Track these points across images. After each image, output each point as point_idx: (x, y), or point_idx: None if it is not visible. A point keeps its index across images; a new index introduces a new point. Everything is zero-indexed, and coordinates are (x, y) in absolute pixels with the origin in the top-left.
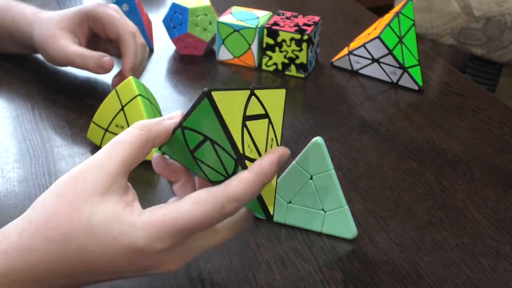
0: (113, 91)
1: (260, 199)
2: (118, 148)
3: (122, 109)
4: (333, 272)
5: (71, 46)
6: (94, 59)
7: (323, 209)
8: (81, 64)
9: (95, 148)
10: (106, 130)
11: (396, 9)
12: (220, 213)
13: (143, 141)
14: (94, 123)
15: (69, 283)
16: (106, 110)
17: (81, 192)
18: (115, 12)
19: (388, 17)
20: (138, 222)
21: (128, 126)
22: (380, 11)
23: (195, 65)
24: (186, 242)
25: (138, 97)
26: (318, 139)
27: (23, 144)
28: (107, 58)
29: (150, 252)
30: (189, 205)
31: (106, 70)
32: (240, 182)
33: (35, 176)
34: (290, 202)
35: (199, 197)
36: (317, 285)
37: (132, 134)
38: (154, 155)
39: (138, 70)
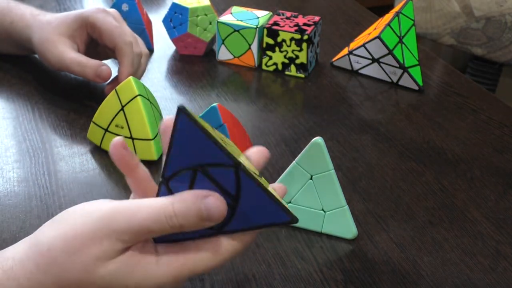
0: (113, 91)
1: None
2: (140, 230)
3: (122, 109)
4: (333, 272)
5: (69, 53)
6: (92, 68)
7: (323, 209)
8: (79, 71)
9: (95, 148)
10: (106, 130)
11: (396, 9)
12: (235, 256)
13: (164, 230)
14: (94, 123)
15: None
16: (106, 110)
17: (95, 257)
18: (113, 20)
19: (388, 17)
20: (158, 271)
21: (128, 126)
22: (380, 11)
23: (195, 65)
24: None
25: (138, 97)
26: (318, 139)
27: (23, 144)
28: (105, 67)
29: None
30: (209, 256)
31: (104, 79)
32: (252, 237)
33: (35, 176)
34: (290, 202)
35: (220, 248)
36: (317, 285)
37: (160, 225)
38: (115, 140)
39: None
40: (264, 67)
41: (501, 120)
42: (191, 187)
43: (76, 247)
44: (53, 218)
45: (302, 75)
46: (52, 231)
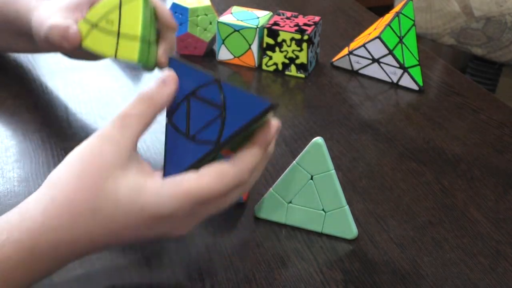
0: None
1: None
2: (128, 122)
3: (120, 5)
4: (333, 272)
5: (53, 19)
6: (59, 30)
7: (323, 209)
8: (47, 36)
9: None
10: (95, 25)
11: (396, 9)
12: (239, 183)
13: (149, 114)
14: (85, 18)
15: (90, 252)
16: (102, 6)
17: (101, 168)
18: None
19: (388, 17)
20: (163, 193)
21: (120, 21)
22: (380, 11)
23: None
24: (202, 210)
25: (141, 1)
26: (318, 139)
27: (23, 144)
28: (73, 30)
29: (172, 220)
30: (212, 179)
31: (70, 42)
32: (252, 156)
33: (35, 176)
34: (290, 202)
35: (221, 171)
36: (317, 285)
37: (139, 107)
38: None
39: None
40: (264, 67)
41: (501, 120)
42: (188, 114)
43: (82, 165)
44: None
45: (302, 75)
46: (63, 165)
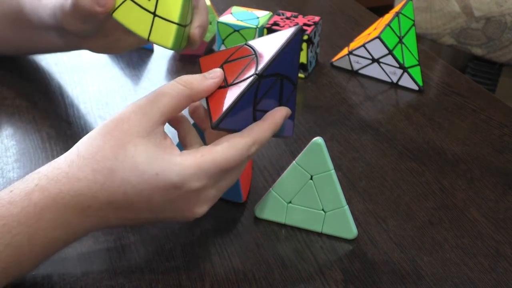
0: None
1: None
2: (161, 99)
3: None
4: (333, 272)
5: None
6: None
7: (323, 209)
8: (77, 2)
9: None
10: None
11: (396, 9)
12: (247, 154)
13: (184, 96)
14: None
15: (110, 216)
16: None
17: (126, 132)
18: None
19: (388, 17)
20: (179, 161)
21: (156, 5)
22: (380, 11)
23: (195, 65)
24: (214, 185)
25: None
26: (318, 139)
27: (23, 144)
28: None
29: (187, 189)
30: (223, 148)
31: (101, 4)
32: (260, 128)
33: None
34: (290, 202)
35: (231, 140)
36: (317, 285)
37: (175, 88)
38: (193, 104)
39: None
40: None
41: (501, 120)
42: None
43: (110, 128)
44: None
45: (302, 75)
46: (97, 127)
